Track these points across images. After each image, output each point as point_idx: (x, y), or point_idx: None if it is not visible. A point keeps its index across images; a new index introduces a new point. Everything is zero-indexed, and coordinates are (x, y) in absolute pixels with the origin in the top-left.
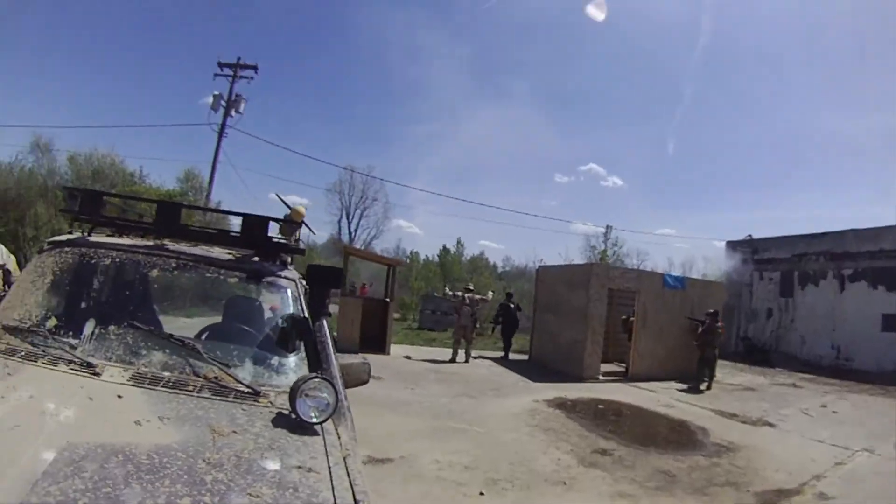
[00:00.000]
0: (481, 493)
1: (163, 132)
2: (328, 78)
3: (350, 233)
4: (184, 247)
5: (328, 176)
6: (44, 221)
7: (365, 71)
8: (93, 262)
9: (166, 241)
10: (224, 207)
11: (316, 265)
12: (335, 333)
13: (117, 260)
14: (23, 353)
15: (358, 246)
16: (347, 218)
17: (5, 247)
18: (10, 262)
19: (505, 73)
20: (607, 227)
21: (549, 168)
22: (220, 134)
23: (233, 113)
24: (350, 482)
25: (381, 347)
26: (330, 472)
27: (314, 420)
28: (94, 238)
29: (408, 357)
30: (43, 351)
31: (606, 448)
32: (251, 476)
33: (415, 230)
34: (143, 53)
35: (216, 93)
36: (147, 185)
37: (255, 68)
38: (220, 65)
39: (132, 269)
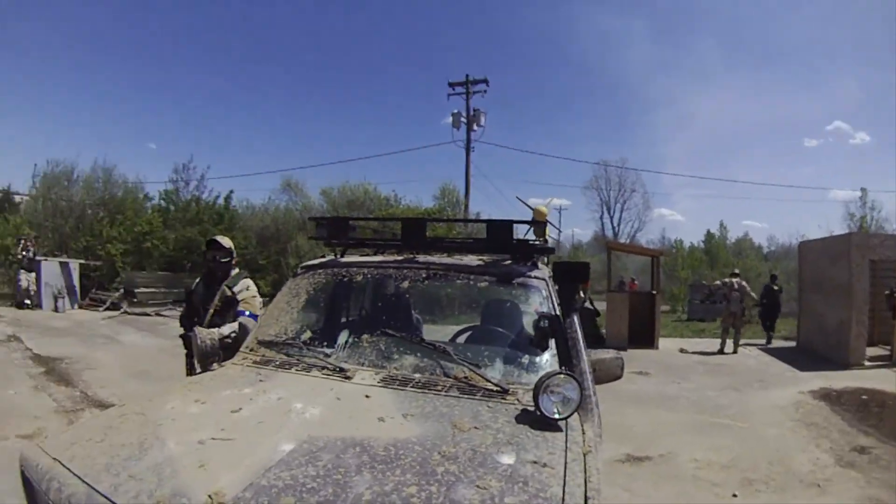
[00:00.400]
0: (734, 496)
1: (412, 157)
2: (564, 76)
3: (613, 227)
4: (434, 258)
5: (583, 174)
6: (305, 251)
7: (598, 63)
8: (345, 279)
9: (417, 255)
10: (483, 217)
11: (562, 262)
12: (603, 331)
13: (369, 276)
14: (277, 363)
15: (623, 240)
16: (609, 213)
17: (269, 275)
18: (247, 291)
19: (730, 43)
20: (862, 189)
21: (797, 132)
22: (467, 149)
23: (475, 127)
24: (585, 479)
25: (649, 342)
26: (565, 469)
27: (557, 416)
28: (345, 259)
29: (683, 350)
30: (297, 360)
31: (865, 445)
32: (483, 469)
33: (677, 217)
34: (379, 87)
35: (454, 111)
36: (405, 207)
37: (485, 81)
38: (451, 84)
39: (384, 283)
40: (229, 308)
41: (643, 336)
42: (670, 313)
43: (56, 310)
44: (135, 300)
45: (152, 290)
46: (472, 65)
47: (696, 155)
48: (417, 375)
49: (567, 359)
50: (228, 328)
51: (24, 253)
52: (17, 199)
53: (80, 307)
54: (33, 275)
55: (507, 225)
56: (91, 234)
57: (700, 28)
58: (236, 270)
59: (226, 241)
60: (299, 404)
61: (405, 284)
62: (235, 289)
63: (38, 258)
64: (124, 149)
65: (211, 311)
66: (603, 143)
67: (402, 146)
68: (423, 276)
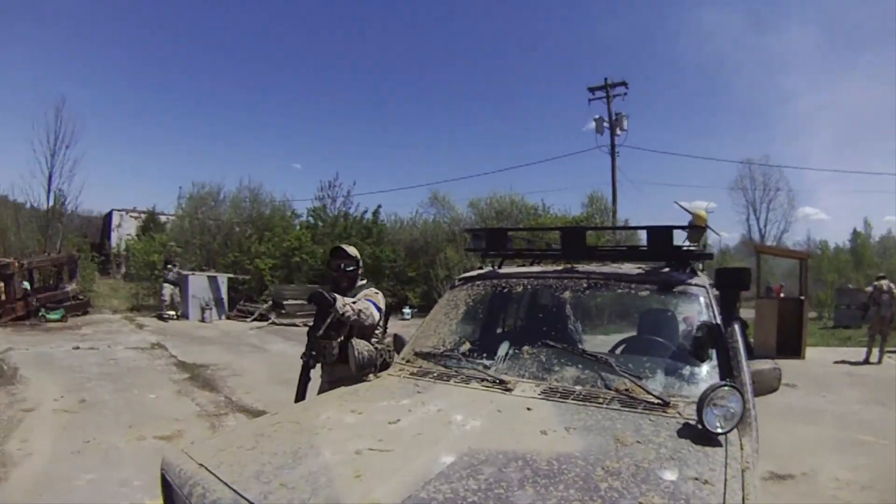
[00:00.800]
0: None
1: (557, 165)
2: (702, 75)
3: (759, 230)
4: (593, 267)
5: (728, 174)
6: (455, 262)
7: (736, 57)
8: (504, 290)
9: (575, 265)
10: (632, 223)
11: (724, 268)
12: (751, 339)
13: (529, 286)
14: (435, 375)
15: (769, 242)
16: (755, 214)
17: (418, 287)
18: (378, 300)
19: (872, 26)
20: None
21: None
22: (612, 154)
23: (618, 131)
24: (742, 497)
25: (796, 351)
26: (725, 486)
27: (719, 430)
28: (503, 270)
29: (842, 362)
30: (456, 371)
31: None
32: (646, 485)
33: (821, 216)
34: (518, 96)
35: (597, 116)
36: (553, 216)
37: (624, 84)
38: (591, 89)
39: (545, 294)
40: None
41: (789, 345)
42: (816, 320)
43: (203, 320)
44: (283, 311)
45: (301, 301)
46: (607, 68)
47: (838, 147)
48: (578, 387)
49: (728, 370)
50: (359, 296)
51: (170, 267)
52: (163, 219)
53: (228, 318)
54: (177, 289)
55: (668, 231)
56: (239, 249)
57: (841, 11)
58: (363, 281)
59: (351, 250)
60: (459, 416)
61: (566, 294)
62: (359, 297)
63: (184, 272)
64: (270, 170)
65: (328, 320)
66: (745, 142)
67: (543, 154)
68: (585, 285)
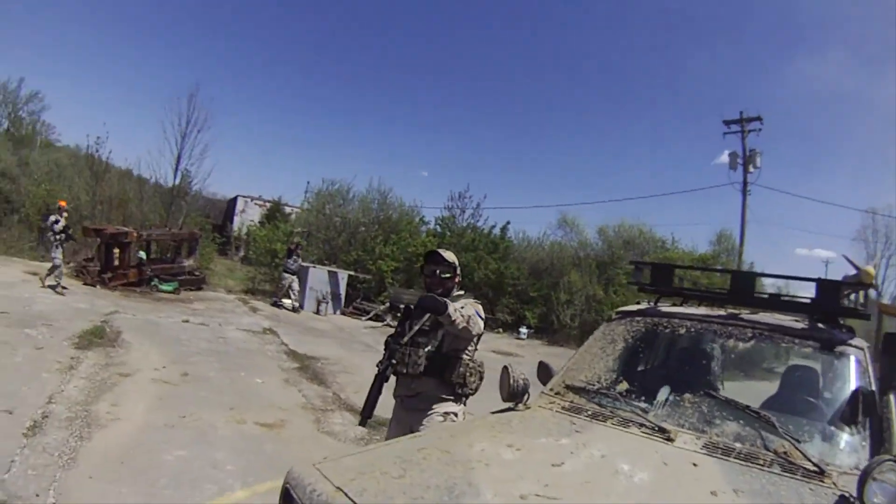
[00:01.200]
0: None
1: (684, 198)
2: (826, 114)
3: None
4: (757, 316)
5: (849, 222)
6: (578, 287)
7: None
8: (666, 330)
9: (735, 310)
10: (757, 267)
11: (893, 333)
12: None
13: (692, 329)
14: (589, 413)
15: (887, 300)
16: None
17: (537, 307)
18: (479, 310)
19: None
20: None
21: None
22: (744, 193)
23: (751, 168)
24: None
25: None
26: None
27: None
28: (664, 308)
29: None
30: (611, 412)
31: None
32: None
33: None
34: (647, 126)
35: (730, 151)
36: (681, 251)
37: (759, 119)
38: (726, 122)
39: (706, 339)
40: (438, 328)
41: None
42: None
43: (317, 312)
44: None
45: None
46: (739, 101)
47: None
48: (738, 444)
49: (880, 441)
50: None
51: (295, 258)
52: (288, 209)
53: (343, 314)
54: (296, 279)
55: (837, 285)
56: (363, 249)
57: None
58: (460, 291)
59: (449, 255)
60: (626, 465)
61: (730, 343)
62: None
63: (305, 264)
64: (396, 174)
65: (416, 328)
66: (871, 188)
67: (669, 183)
68: (749, 335)
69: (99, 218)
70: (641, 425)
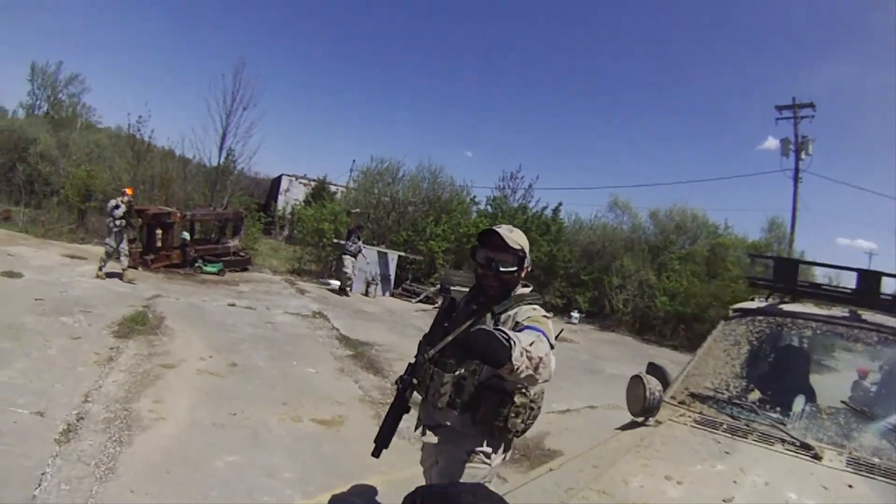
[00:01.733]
0: None
1: (730, 183)
2: (872, 100)
3: None
4: (880, 318)
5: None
6: (630, 272)
7: None
8: (792, 332)
9: (858, 311)
10: (808, 256)
11: None
12: None
13: (818, 331)
14: (725, 427)
15: None
16: None
17: (589, 291)
18: (535, 311)
19: None
20: None
21: None
22: (796, 179)
23: (803, 156)
24: None
25: None
26: None
27: None
28: (786, 307)
29: None
30: (747, 425)
31: None
32: None
33: None
34: (691, 109)
35: (783, 137)
36: (734, 236)
37: (812, 106)
38: (778, 108)
39: (831, 342)
40: None
41: None
42: None
43: (366, 294)
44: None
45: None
46: (788, 87)
47: None
48: (876, 459)
49: None
50: (528, 337)
51: (354, 239)
52: (333, 188)
53: (392, 296)
54: (355, 261)
55: None
56: (413, 229)
57: None
58: (526, 289)
59: (516, 238)
60: (793, 494)
61: (858, 347)
62: (518, 317)
63: (365, 246)
64: (441, 154)
65: (449, 338)
66: None
67: (713, 170)
68: (875, 339)
69: (141, 198)
70: (783, 441)
